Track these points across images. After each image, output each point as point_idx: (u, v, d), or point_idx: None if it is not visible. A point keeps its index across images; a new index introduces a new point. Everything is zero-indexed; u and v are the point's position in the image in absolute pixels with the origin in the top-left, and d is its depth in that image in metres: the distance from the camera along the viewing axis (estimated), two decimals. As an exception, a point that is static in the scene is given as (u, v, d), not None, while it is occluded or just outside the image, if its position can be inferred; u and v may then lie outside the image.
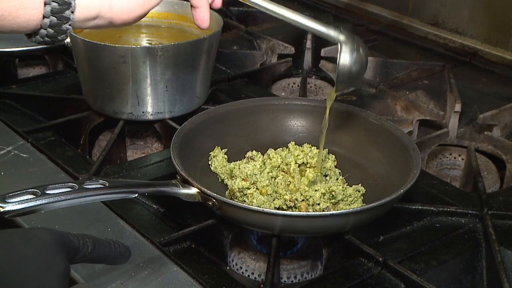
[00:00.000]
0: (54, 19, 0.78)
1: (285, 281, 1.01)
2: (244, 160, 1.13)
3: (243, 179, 1.07)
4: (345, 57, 1.00)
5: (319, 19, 1.81)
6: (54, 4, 0.77)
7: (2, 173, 1.10)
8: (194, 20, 0.92)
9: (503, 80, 1.55)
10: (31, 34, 0.80)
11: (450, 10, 1.70)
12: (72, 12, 0.79)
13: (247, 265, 1.02)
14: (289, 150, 1.14)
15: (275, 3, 0.98)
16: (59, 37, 0.80)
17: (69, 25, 0.79)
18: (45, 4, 0.77)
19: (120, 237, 0.96)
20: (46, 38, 0.80)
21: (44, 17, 0.78)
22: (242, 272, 1.02)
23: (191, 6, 0.91)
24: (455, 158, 1.40)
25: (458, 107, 1.38)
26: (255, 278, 1.01)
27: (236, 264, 1.03)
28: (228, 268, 1.03)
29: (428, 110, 1.40)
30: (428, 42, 1.73)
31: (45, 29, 0.79)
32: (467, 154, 1.27)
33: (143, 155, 1.33)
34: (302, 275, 1.02)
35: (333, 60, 1.64)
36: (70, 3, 0.78)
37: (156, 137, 1.40)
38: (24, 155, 1.15)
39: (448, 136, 1.35)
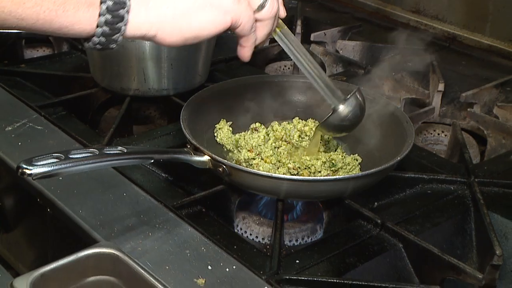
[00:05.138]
0: (106, 29, 0.75)
1: (287, 244, 1.02)
2: (248, 132, 1.13)
3: (248, 150, 1.07)
4: (346, 108, 1.01)
5: (307, 8, 1.82)
6: (108, 16, 0.74)
7: (20, 143, 1.09)
8: (238, 53, 0.89)
9: (480, 63, 1.56)
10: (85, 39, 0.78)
11: (430, -2, 1.71)
12: (125, 25, 0.76)
13: (251, 229, 1.03)
14: (293, 124, 1.14)
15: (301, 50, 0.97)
16: (110, 45, 0.78)
17: (121, 35, 0.77)
18: (100, 15, 0.74)
19: (135, 201, 0.96)
20: (98, 46, 0.77)
21: (97, 26, 0.75)
22: (247, 236, 1.03)
23: (238, 43, 0.88)
24: (438, 134, 1.42)
25: (441, 87, 1.39)
26: (259, 241, 1.02)
27: (241, 229, 1.03)
28: (235, 231, 1.03)
29: (414, 89, 1.41)
30: (410, 28, 1.73)
31: (98, 37, 0.76)
32: (452, 129, 1.28)
33: (147, 129, 1.33)
34: (303, 239, 1.02)
35: (321, 44, 1.65)
36: (123, 17, 0.75)
37: (158, 113, 1.40)
38: (39, 127, 1.14)
39: (434, 112, 1.37)
